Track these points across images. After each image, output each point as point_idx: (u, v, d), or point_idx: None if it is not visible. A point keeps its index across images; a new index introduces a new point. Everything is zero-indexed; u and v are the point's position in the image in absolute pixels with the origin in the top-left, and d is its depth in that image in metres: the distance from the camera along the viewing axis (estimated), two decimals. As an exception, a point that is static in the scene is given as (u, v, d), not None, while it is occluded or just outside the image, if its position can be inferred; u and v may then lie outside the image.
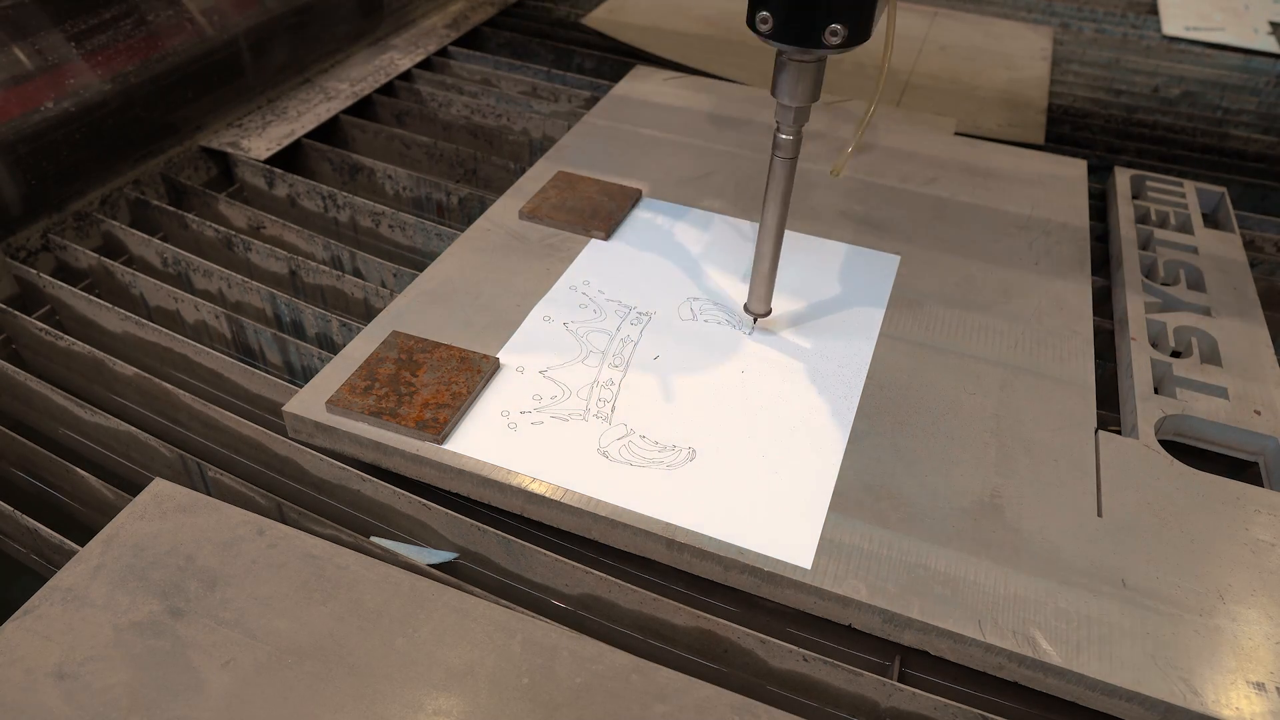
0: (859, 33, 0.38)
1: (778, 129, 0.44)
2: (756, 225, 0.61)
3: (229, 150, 0.69)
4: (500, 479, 0.42)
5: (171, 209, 0.64)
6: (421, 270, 0.55)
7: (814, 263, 0.58)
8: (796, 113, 0.43)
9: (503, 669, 0.35)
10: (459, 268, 0.55)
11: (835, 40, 0.38)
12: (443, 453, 0.43)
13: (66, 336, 0.52)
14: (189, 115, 0.70)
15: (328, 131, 0.75)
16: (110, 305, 0.54)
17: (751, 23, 0.39)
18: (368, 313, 0.57)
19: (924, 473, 0.43)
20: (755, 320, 0.51)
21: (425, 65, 0.86)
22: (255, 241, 0.60)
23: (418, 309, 0.51)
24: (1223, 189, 0.67)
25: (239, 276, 0.57)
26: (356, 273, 0.60)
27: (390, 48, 0.87)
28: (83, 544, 0.39)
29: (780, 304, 0.54)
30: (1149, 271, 0.59)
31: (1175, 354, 0.52)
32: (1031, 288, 0.56)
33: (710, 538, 0.40)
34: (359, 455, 0.44)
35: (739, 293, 0.55)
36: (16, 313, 0.55)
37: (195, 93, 0.70)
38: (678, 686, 0.35)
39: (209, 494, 0.44)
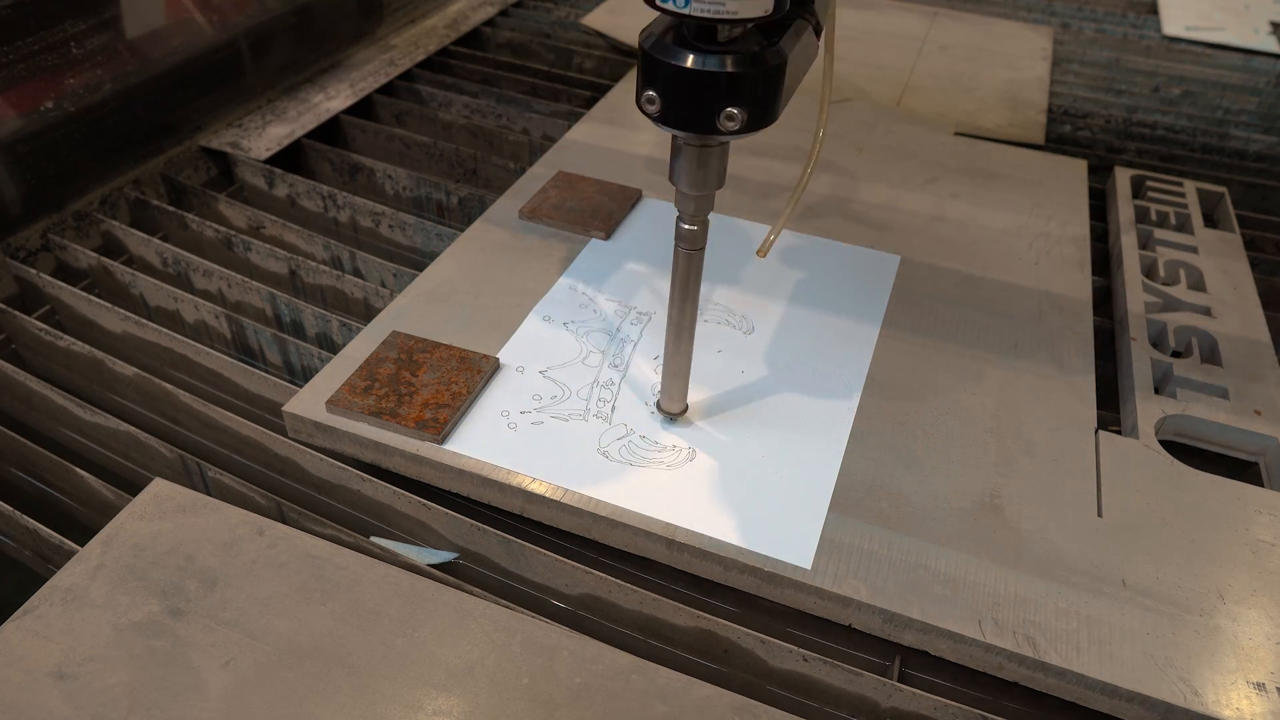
0: (761, 117, 0.33)
1: (679, 218, 0.39)
2: (757, 225, 0.61)
3: (229, 150, 0.69)
4: (500, 479, 0.42)
5: (171, 209, 0.64)
6: (421, 270, 0.55)
7: (814, 263, 0.58)
8: (699, 201, 0.38)
9: (503, 669, 0.35)
10: (459, 268, 0.55)
11: (732, 126, 0.33)
12: (443, 453, 0.43)
13: (66, 336, 0.52)
14: (189, 115, 0.70)
15: (328, 131, 0.75)
16: (110, 305, 0.54)
17: (639, 102, 0.34)
18: (368, 313, 0.57)
19: (924, 473, 0.43)
20: (673, 419, 0.46)
21: (425, 65, 0.86)
22: (255, 241, 0.60)
23: (418, 309, 0.51)
24: (1223, 189, 0.67)
25: (239, 276, 0.57)
26: (356, 273, 0.60)
27: (390, 48, 0.87)
28: (83, 544, 0.39)
29: (781, 304, 0.54)
30: (1149, 271, 0.59)
31: (1175, 354, 0.52)
32: (1031, 288, 0.56)
33: (710, 538, 0.40)
34: (359, 455, 0.44)
35: (739, 293, 0.55)
36: (16, 313, 0.55)
37: (195, 93, 0.70)
38: (678, 686, 0.35)
39: (209, 494, 0.44)
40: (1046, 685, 0.36)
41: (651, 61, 0.33)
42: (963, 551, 0.40)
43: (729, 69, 0.32)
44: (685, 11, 0.31)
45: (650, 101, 0.33)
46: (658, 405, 0.46)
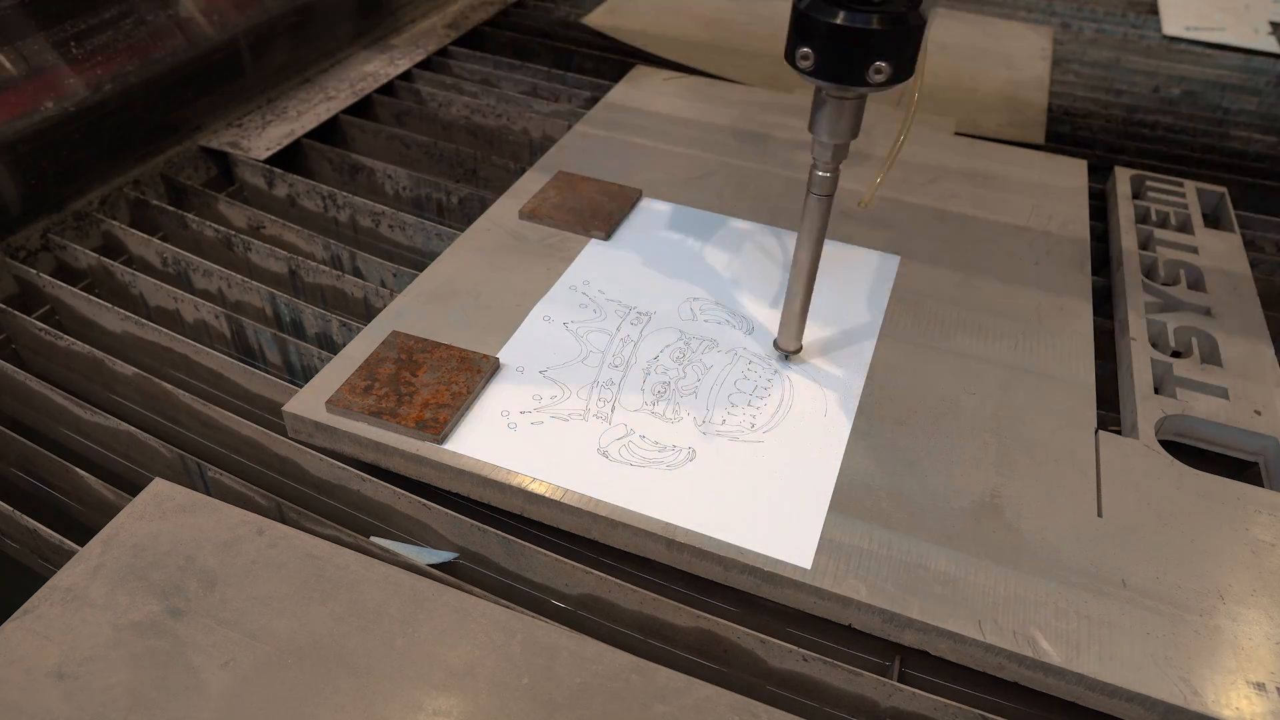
0: (903, 70, 0.37)
1: (815, 166, 0.42)
2: (757, 225, 0.61)
3: (229, 150, 0.69)
4: (500, 479, 0.42)
5: (171, 209, 0.64)
6: (421, 270, 0.55)
7: (814, 263, 0.58)
8: (835, 150, 0.41)
9: (503, 669, 0.35)
10: (459, 268, 0.55)
11: (879, 79, 0.37)
12: (443, 453, 0.43)
13: (66, 336, 0.52)
14: (189, 115, 0.70)
15: (328, 131, 0.75)
16: (110, 305, 0.54)
17: (791, 59, 0.38)
18: (368, 313, 0.57)
19: (924, 473, 0.43)
20: (786, 356, 0.50)
21: (425, 65, 0.86)
22: (255, 241, 0.60)
23: (418, 309, 0.51)
24: (1223, 189, 0.67)
25: (239, 276, 0.57)
26: (356, 272, 0.60)
27: (390, 48, 0.87)
28: (83, 544, 0.39)
29: (780, 304, 0.54)
30: (1149, 271, 0.59)
31: (1175, 354, 0.52)
32: (1031, 288, 0.56)
33: (710, 538, 0.40)
34: (359, 455, 0.44)
35: (739, 293, 0.55)
36: (16, 313, 0.55)
37: (195, 93, 0.70)
38: (678, 686, 0.35)
39: (209, 494, 0.44)
40: (1046, 685, 0.36)
41: (807, 20, 0.37)
42: (963, 551, 0.40)
43: (879, 26, 0.36)
44: None
45: (804, 58, 0.37)
46: (775, 344, 0.50)
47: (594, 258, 0.57)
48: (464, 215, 0.67)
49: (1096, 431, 0.46)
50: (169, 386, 0.49)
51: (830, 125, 0.40)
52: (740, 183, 0.66)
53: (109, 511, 0.43)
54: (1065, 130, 0.81)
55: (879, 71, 0.37)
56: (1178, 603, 0.38)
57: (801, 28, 0.37)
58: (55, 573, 0.37)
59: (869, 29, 0.36)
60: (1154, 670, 0.35)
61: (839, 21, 0.36)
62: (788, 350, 0.49)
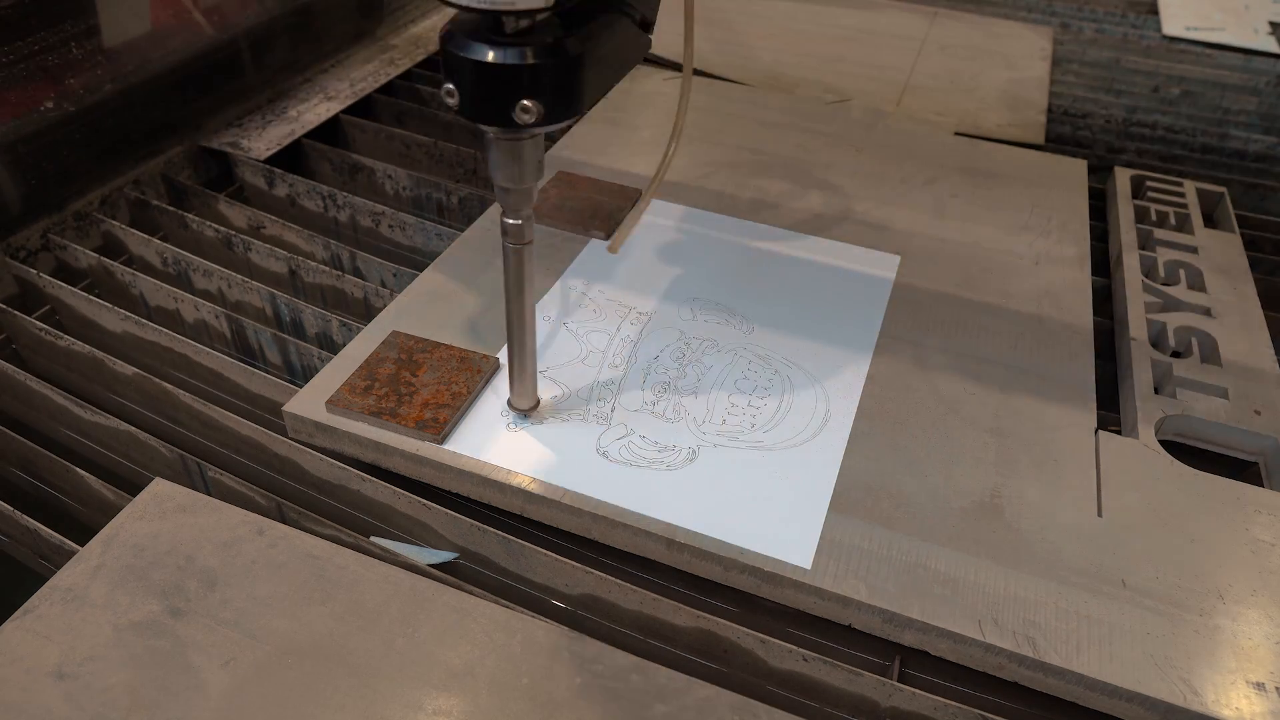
0: (561, 109, 0.33)
1: (503, 213, 0.37)
2: (758, 225, 0.61)
3: (229, 150, 0.69)
4: (500, 479, 0.42)
5: (171, 209, 0.64)
6: (421, 270, 0.55)
7: (814, 262, 0.58)
8: (518, 195, 0.36)
9: (503, 669, 0.35)
10: (459, 268, 0.55)
11: (528, 118, 0.32)
12: (443, 453, 0.43)
13: (66, 336, 0.52)
14: (189, 115, 0.70)
15: (328, 131, 0.75)
16: (110, 305, 0.54)
17: (441, 95, 0.34)
18: (368, 312, 0.57)
19: (924, 473, 0.43)
20: (525, 414, 0.45)
21: (425, 65, 0.86)
22: (255, 241, 0.60)
23: (418, 309, 0.51)
24: (1223, 189, 0.67)
25: (239, 276, 0.57)
26: (356, 272, 0.60)
27: (390, 48, 0.87)
28: (83, 544, 0.39)
29: (780, 303, 0.54)
30: (1149, 271, 0.59)
31: (1175, 354, 0.52)
32: (1031, 288, 0.56)
33: (710, 538, 0.40)
34: (359, 455, 0.44)
35: (739, 293, 0.55)
36: (16, 313, 0.55)
37: (195, 93, 0.70)
38: (678, 686, 0.35)
39: (209, 494, 0.44)
40: (1046, 685, 0.36)
41: (447, 54, 0.32)
42: (963, 551, 0.40)
43: (517, 60, 0.31)
44: (466, 4, 0.31)
45: (449, 94, 0.33)
46: (509, 404, 0.45)
47: (594, 258, 0.57)
48: (464, 215, 0.67)
49: (1096, 431, 0.46)
50: (169, 386, 0.49)
51: (504, 170, 0.35)
52: (740, 182, 0.66)
53: (109, 511, 0.43)
54: (1065, 130, 0.81)
55: (527, 111, 0.32)
56: (1177, 602, 0.38)
57: (446, 62, 0.33)
58: (55, 573, 0.37)
59: (505, 64, 0.32)
60: (1154, 670, 0.35)
61: (473, 57, 0.32)
62: (521, 409, 0.45)
